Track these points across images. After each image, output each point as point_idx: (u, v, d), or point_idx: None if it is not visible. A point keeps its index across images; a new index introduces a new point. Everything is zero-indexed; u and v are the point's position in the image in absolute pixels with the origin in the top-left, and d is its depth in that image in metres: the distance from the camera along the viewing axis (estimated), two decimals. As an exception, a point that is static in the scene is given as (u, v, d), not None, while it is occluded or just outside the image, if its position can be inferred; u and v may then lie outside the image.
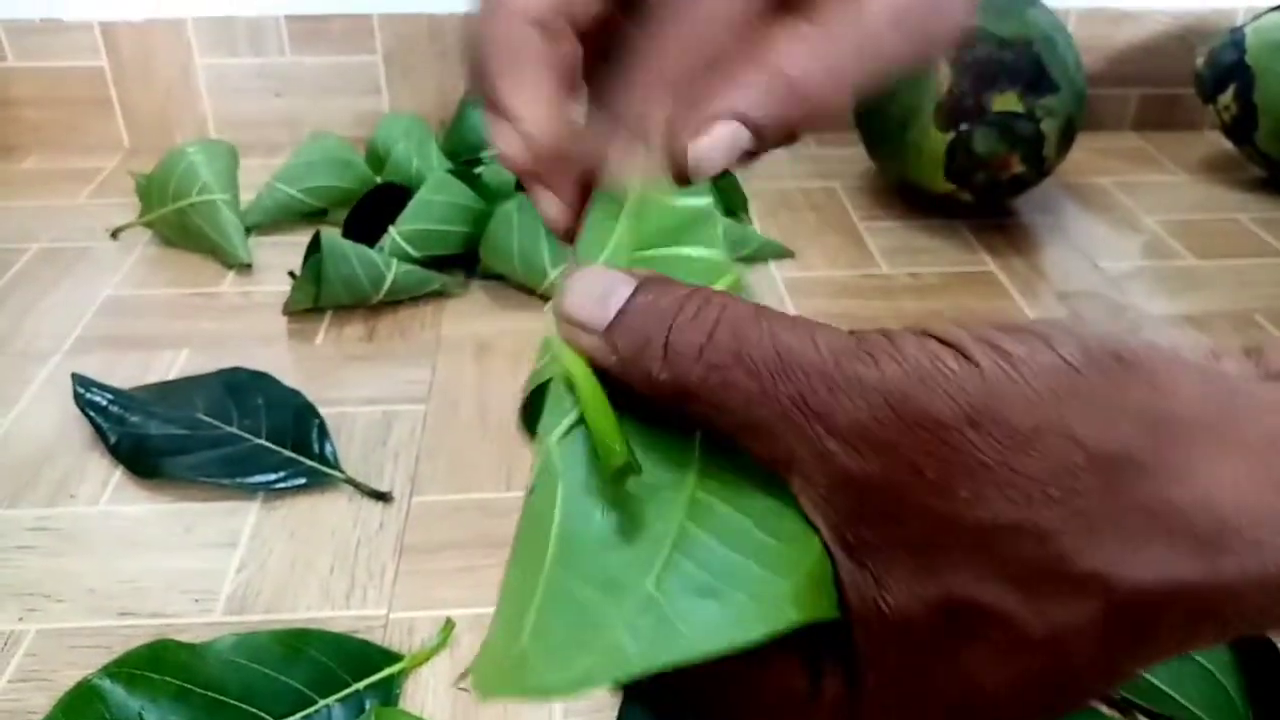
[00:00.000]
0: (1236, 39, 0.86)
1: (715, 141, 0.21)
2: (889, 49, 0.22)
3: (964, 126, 0.76)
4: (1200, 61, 0.89)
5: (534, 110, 0.23)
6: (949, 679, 0.18)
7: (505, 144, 0.23)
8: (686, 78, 0.22)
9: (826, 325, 0.19)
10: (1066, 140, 0.79)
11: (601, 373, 0.20)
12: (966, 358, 0.17)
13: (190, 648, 0.43)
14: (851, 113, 0.86)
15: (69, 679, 0.42)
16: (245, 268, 0.77)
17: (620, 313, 0.19)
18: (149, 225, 0.81)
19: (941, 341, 0.18)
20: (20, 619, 0.47)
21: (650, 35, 0.22)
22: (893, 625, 0.18)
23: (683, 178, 0.21)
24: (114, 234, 0.82)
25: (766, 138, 0.22)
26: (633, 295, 0.19)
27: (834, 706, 0.19)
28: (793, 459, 0.18)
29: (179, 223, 0.78)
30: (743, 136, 0.21)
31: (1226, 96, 0.87)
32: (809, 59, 0.21)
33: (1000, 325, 0.18)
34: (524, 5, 0.23)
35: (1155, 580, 0.17)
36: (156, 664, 0.42)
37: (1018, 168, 0.78)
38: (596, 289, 0.19)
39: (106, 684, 0.41)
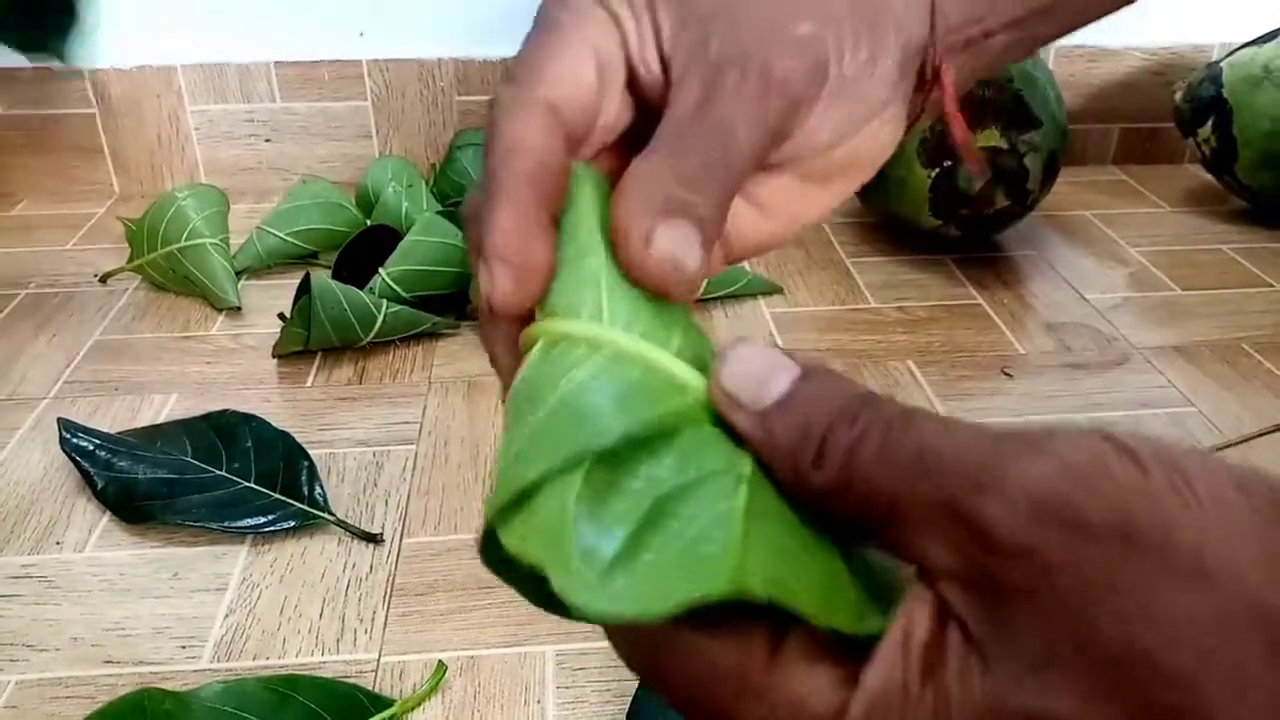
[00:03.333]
0: (1214, 74, 0.88)
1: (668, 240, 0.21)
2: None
3: (948, 163, 0.77)
4: (1179, 96, 0.91)
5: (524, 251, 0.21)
6: None
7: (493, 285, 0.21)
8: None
9: (988, 427, 0.17)
10: (1050, 174, 0.80)
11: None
12: (1139, 465, 0.16)
13: (175, 696, 0.42)
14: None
15: (51, 730, 0.41)
16: (235, 310, 0.77)
17: (780, 401, 0.19)
18: (138, 270, 0.81)
19: (1115, 443, 0.16)
20: (0, 669, 0.46)
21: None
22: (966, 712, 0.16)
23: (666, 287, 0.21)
24: (102, 279, 0.82)
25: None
26: (795, 382, 0.19)
27: None
28: (926, 556, 0.17)
29: (168, 266, 0.79)
30: (693, 234, 0.21)
31: (1205, 130, 0.88)
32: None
33: (1188, 449, 0.16)
34: (544, 114, 0.22)
35: None
36: (140, 713, 0.41)
37: (1002, 202, 0.79)
38: (758, 367, 0.19)
39: (89, 735, 0.40)
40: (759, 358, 0.20)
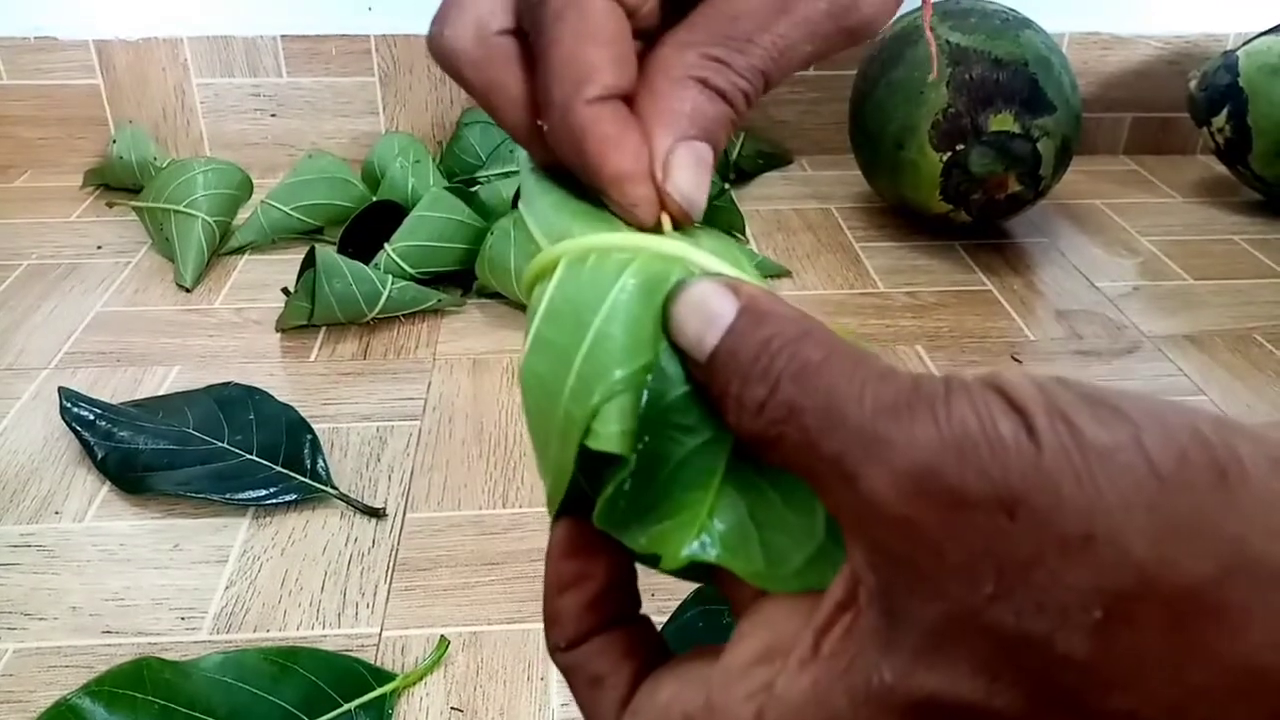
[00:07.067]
0: (1229, 62, 0.87)
1: (685, 171, 0.21)
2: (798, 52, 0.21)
3: (960, 146, 0.76)
4: (1193, 84, 0.90)
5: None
6: None
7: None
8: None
9: (890, 369, 0.17)
10: (1063, 160, 0.79)
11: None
12: (1029, 429, 0.15)
13: (175, 666, 0.42)
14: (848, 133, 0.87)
15: (47, 700, 0.41)
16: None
17: (714, 352, 0.19)
18: (137, 210, 0.82)
19: (1009, 401, 0.15)
20: None
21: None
22: (869, 699, 0.16)
23: (684, 217, 0.21)
24: (109, 204, 0.86)
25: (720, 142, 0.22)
26: (729, 327, 0.19)
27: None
28: (840, 512, 0.17)
29: (159, 223, 0.80)
30: (703, 151, 0.21)
31: (1220, 119, 0.87)
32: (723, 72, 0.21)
33: (1093, 394, 0.15)
34: None
35: None
36: (139, 683, 0.41)
37: (1014, 187, 0.78)
38: (705, 310, 0.19)
39: (85, 703, 0.39)
40: (708, 297, 0.19)
